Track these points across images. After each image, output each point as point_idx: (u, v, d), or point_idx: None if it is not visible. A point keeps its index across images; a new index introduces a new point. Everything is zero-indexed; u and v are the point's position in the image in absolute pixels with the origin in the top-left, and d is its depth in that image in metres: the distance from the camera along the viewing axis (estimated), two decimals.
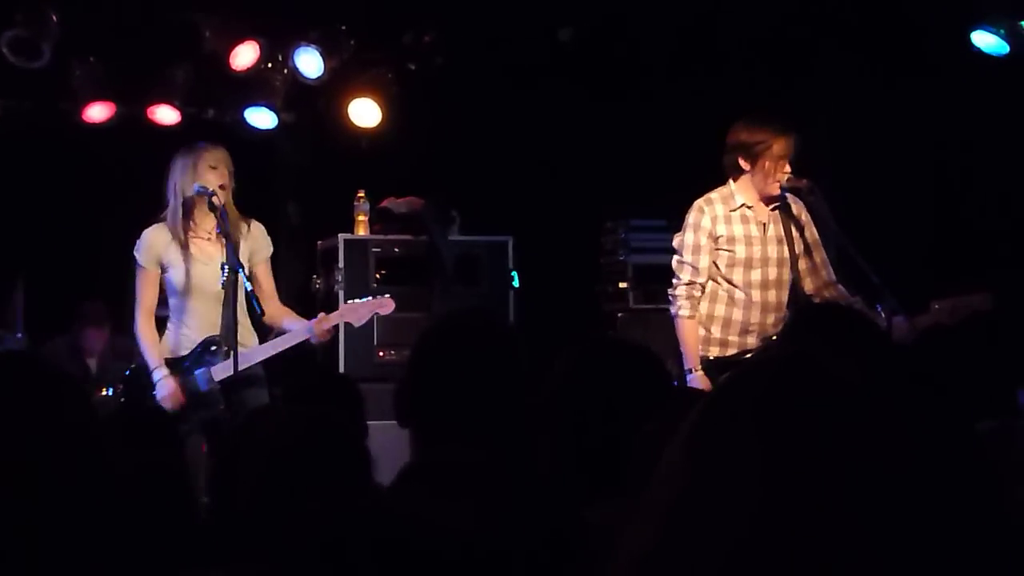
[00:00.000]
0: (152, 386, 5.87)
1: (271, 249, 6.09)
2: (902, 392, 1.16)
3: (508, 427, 2.51)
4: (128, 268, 6.05)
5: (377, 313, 6.23)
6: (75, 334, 8.21)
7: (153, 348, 5.89)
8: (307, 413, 2.65)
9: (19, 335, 7.67)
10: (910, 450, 1.14)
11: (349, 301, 6.24)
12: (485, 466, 2.40)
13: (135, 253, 5.91)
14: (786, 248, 5.79)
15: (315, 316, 5.99)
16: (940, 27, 7.03)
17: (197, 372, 5.88)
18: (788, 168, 5.70)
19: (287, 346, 5.91)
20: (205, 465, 5.67)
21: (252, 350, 5.88)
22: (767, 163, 5.67)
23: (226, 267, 5.72)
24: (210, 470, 2.58)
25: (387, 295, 6.24)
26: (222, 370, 5.83)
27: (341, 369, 7.11)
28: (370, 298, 6.20)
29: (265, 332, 6.07)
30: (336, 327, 6.18)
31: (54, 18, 7.06)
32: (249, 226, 5.99)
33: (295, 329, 5.93)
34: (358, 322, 6.16)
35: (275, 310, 5.99)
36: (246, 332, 5.95)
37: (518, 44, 7.82)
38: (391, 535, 1.74)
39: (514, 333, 2.67)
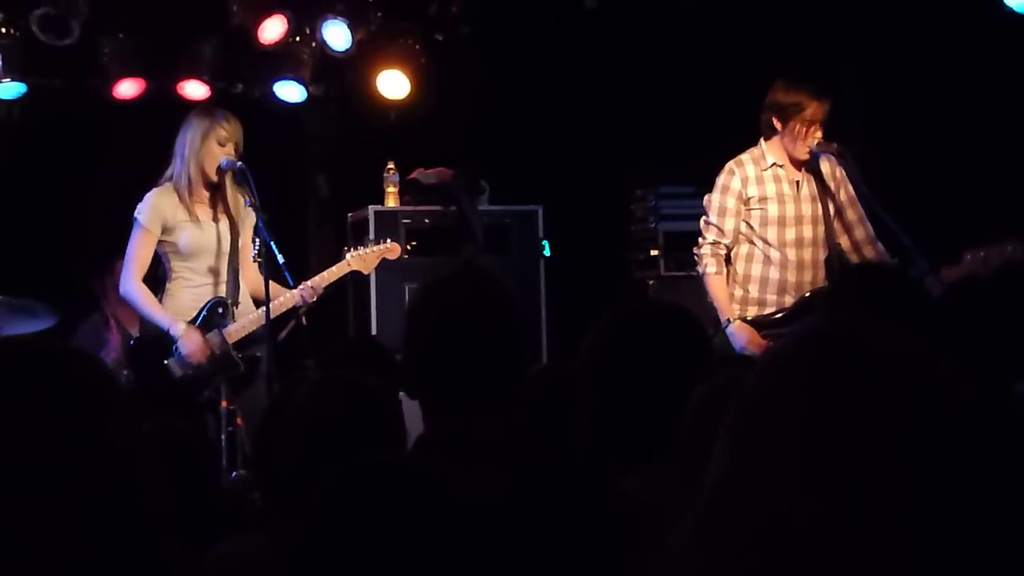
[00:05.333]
0: (164, 352, 5.79)
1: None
2: (947, 362, 1.16)
3: (513, 392, 2.50)
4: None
5: (385, 258, 6.27)
6: (108, 310, 8.22)
7: (158, 306, 5.81)
8: (343, 379, 2.68)
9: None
10: (952, 421, 1.13)
11: (354, 249, 6.20)
12: (494, 436, 2.41)
13: (137, 214, 5.82)
14: (820, 206, 5.81)
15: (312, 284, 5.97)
16: None
17: (208, 335, 5.83)
18: (819, 133, 5.72)
19: (282, 311, 5.87)
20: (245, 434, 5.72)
21: (257, 315, 5.86)
22: (797, 125, 5.71)
23: (257, 240, 5.77)
24: (252, 438, 2.61)
25: (389, 240, 6.35)
26: (235, 331, 5.85)
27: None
28: (375, 246, 6.25)
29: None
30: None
31: None
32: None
33: (284, 296, 5.86)
34: (366, 270, 6.23)
35: (257, 279, 5.93)
36: (247, 296, 5.99)
37: (544, 12, 7.79)
38: (425, 499, 1.76)
39: (504, 292, 2.58)
